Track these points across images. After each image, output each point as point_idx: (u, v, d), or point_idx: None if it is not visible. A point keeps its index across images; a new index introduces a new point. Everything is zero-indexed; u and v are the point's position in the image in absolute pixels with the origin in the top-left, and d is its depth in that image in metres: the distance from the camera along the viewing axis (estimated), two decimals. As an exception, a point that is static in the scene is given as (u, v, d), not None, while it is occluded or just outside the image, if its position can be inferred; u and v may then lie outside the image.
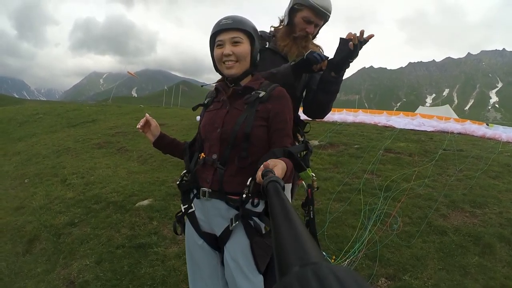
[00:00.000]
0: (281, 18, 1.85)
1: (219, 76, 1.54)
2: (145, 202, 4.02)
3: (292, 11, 1.71)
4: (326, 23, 1.78)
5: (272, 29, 1.86)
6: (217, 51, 1.40)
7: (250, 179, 1.26)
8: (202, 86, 1.64)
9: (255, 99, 1.36)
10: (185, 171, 1.52)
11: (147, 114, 1.60)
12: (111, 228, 3.46)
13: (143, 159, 6.46)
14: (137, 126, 1.59)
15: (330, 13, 1.71)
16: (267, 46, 1.75)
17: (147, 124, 1.58)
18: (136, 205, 3.95)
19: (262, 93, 1.37)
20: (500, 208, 3.72)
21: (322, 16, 1.70)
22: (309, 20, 1.69)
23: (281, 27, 1.83)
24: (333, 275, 0.26)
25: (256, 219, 1.32)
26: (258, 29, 1.70)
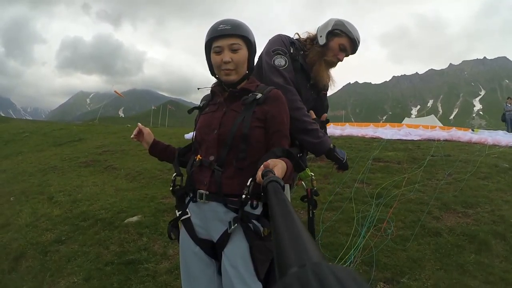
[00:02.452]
0: (310, 34, 1.86)
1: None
2: (134, 218, 3.92)
3: (330, 34, 1.76)
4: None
5: (297, 37, 1.88)
6: (216, 58, 1.38)
7: (250, 179, 1.23)
8: (198, 89, 1.63)
9: (252, 100, 1.35)
10: (175, 174, 1.49)
11: (139, 124, 1.64)
12: (100, 245, 3.35)
13: (131, 176, 6.33)
14: (131, 136, 1.64)
15: (358, 47, 1.82)
16: (298, 59, 1.76)
17: (140, 132, 1.62)
18: (125, 221, 3.84)
19: (259, 95, 1.36)
20: (491, 206, 3.76)
21: (354, 48, 1.80)
22: (344, 48, 1.77)
23: (309, 43, 1.85)
24: (333, 275, 0.26)
25: (255, 221, 1.28)
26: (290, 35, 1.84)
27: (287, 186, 1.70)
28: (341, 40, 1.75)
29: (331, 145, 1.71)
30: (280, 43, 1.73)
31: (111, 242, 3.39)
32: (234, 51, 1.36)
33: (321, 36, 1.77)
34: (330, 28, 1.75)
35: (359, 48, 1.84)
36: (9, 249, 3.45)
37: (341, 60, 1.81)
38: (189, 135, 11.24)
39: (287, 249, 0.35)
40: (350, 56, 1.86)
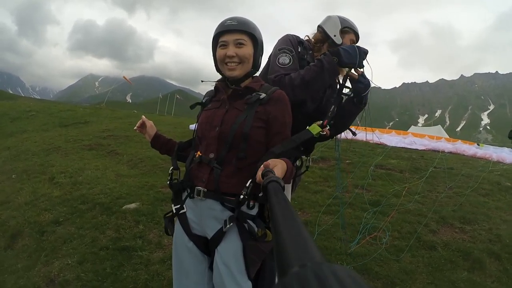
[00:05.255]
0: (318, 35, 1.93)
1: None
2: (132, 205, 3.95)
3: (342, 33, 1.87)
4: None
5: (307, 38, 1.95)
6: (220, 52, 1.39)
7: (250, 180, 1.24)
8: (202, 81, 1.64)
9: (255, 100, 1.35)
10: (172, 167, 1.50)
11: (143, 116, 1.66)
12: (96, 229, 3.38)
13: (133, 163, 6.37)
14: (134, 128, 1.66)
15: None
16: (306, 58, 1.82)
17: (143, 125, 1.65)
18: (123, 208, 3.87)
19: (262, 95, 1.37)
20: (489, 224, 3.74)
21: (357, 41, 1.91)
22: (354, 43, 1.88)
23: (320, 43, 1.92)
24: (334, 275, 0.26)
25: (250, 222, 1.29)
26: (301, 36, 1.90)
27: (287, 186, 1.71)
28: (350, 36, 1.88)
29: (334, 59, 1.59)
30: (287, 43, 1.79)
31: (107, 227, 3.42)
32: (239, 46, 1.37)
33: (335, 36, 1.86)
34: (340, 27, 1.85)
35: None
36: (7, 227, 3.50)
37: None
38: (194, 126, 11.26)
39: (288, 249, 0.35)
40: None
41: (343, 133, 1.96)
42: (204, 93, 1.65)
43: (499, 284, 2.67)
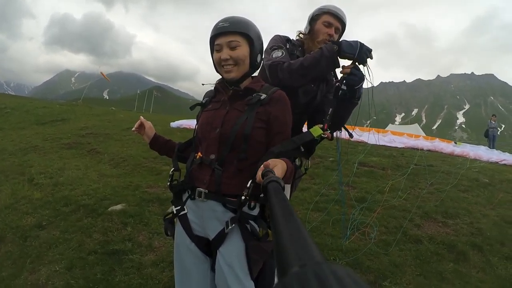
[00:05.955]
0: (303, 31, 1.98)
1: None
2: (118, 206, 3.84)
3: (312, 20, 1.89)
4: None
5: (300, 36, 1.98)
6: (216, 55, 1.40)
7: (250, 181, 1.24)
8: (203, 84, 1.63)
9: (256, 101, 1.35)
10: (173, 169, 1.48)
11: (141, 117, 1.63)
12: (82, 232, 3.26)
13: (115, 162, 6.20)
14: (132, 129, 1.63)
15: (345, 21, 1.87)
16: (295, 53, 1.86)
17: (141, 126, 1.61)
18: (109, 209, 3.76)
19: (263, 96, 1.37)
20: (470, 218, 3.93)
21: (340, 19, 1.85)
22: (329, 23, 1.85)
23: (304, 38, 1.95)
24: (334, 275, 0.26)
25: (252, 222, 1.30)
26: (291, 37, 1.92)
27: (287, 186, 1.71)
28: (322, 18, 1.85)
29: (335, 47, 1.57)
30: (276, 41, 1.85)
31: (94, 230, 3.31)
32: (232, 48, 1.36)
33: (306, 27, 1.95)
34: (311, 17, 1.90)
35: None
36: (-13, 232, 3.32)
37: (333, 35, 1.85)
38: (175, 124, 11.08)
39: (287, 249, 0.35)
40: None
41: (343, 134, 1.97)
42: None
43: (483, 274, 2.83)
